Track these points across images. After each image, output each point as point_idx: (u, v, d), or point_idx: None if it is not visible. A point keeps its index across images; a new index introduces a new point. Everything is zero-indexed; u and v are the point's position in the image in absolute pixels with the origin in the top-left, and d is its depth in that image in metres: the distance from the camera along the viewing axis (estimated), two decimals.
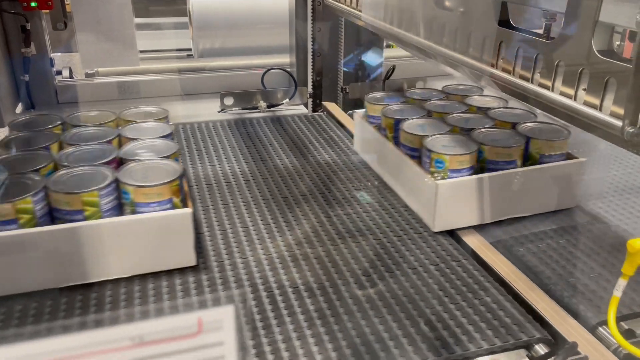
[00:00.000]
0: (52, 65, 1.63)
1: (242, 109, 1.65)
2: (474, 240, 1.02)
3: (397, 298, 0.85)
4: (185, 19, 2.12)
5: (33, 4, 1.52)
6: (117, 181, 0.88)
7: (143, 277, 0.89)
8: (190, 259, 0.92)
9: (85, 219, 0.85)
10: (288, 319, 0.81)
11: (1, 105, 1.47)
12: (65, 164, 0.94)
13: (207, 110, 1.65)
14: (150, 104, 1.68)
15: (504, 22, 0.92)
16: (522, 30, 0.90)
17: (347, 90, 1.73)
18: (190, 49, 2.17)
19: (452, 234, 1.04)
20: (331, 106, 1.72)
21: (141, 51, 1.94)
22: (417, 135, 1.11)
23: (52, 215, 0.86)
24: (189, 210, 0.90)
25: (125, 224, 0.87)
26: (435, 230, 1.03)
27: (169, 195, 0.88)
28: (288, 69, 1.74)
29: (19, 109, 1.61)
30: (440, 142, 1.08)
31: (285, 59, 1.81)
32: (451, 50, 1.05)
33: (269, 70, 1.72)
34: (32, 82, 1.59)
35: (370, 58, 1.78)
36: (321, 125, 1.59)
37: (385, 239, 1.02)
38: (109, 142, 1.06)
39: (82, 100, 1.70)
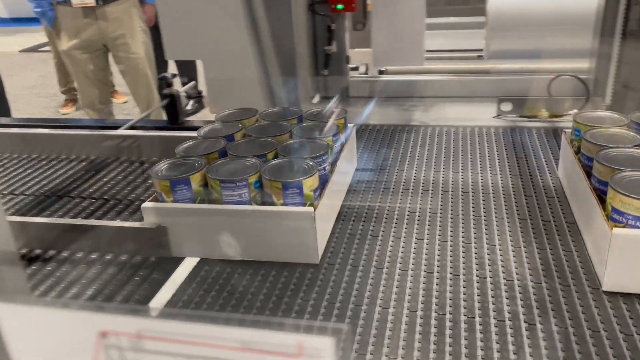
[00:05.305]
0: (347, 62, 1.80)
1: (520, 117, 1.53)
2: None
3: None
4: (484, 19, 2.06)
5: (339, 6, 1.71)
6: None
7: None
8: (313, 257, 0.94)
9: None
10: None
11: (301, 95, 1.71)
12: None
13: (483, 115, 1.59)
14: (425, 104, 1.72)
15: None
16: None
17: None
18: (482, 50, 2.12)
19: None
20: None
21: (431, 51, 1.99)
22: (609, 167, 0.89)
23: None
24: (310, 209, 0.91)
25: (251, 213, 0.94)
26: (604, 289, 0.84)
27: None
28: (581, 76, 1.54)
29: (316, 99, 1.83)
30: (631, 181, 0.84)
31: (582, 65, 1.60)
32: None
33: (558, 76, 1.55)
34: (329, 77, 1.79)
35: None
36: None
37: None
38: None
39: (368, 96, 1.84)
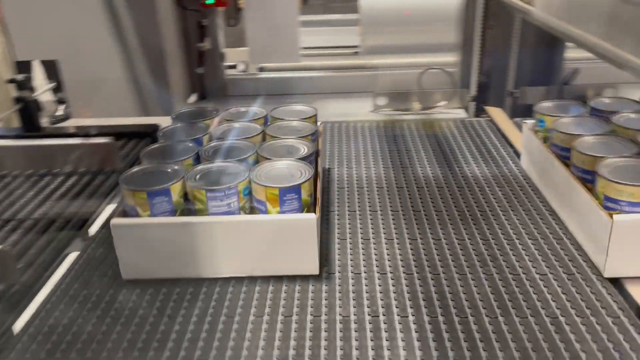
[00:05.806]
0: (222, 59, 1.74)
1: (395, 110, 1.57)
2: None
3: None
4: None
5: (210, 1, 1.64)
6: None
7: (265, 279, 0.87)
8: (313, 268, 0.86)
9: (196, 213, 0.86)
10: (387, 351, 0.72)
11: (176, 95, 1.62)
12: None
13: (360, 110, 1.61)
14: (305, 101, 1.71)
15: None
16: None
17: (517, 95, 1.53)
18: (357, 46, 2.15)
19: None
20: (495, 112, 1.54)
21: (308, 47, 1.98)
22: (593, 156, 0.91)
23: None
24: (313, 216, 0.84)
25: (244, 224, 0.85)
26: (606, 275, 0.84)
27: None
28: (448, 69, 1.61)
29: (192, 99, 1.75)
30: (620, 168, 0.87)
31: (451, 58, 1.67)
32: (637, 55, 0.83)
33: (427, 69, 1.60)
34: (205, 75, 1.72)
35: (549, 59, 1.55)
36: (478, 133, 1.43)
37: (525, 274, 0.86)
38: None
39: (248, 94, 1.79)
